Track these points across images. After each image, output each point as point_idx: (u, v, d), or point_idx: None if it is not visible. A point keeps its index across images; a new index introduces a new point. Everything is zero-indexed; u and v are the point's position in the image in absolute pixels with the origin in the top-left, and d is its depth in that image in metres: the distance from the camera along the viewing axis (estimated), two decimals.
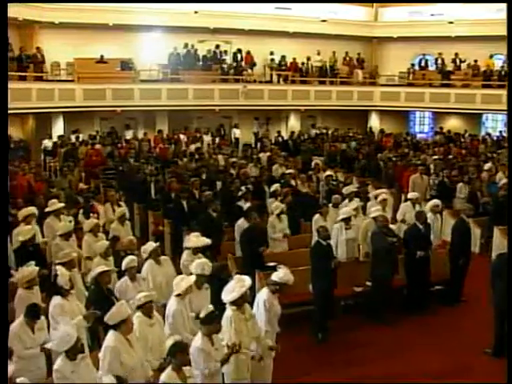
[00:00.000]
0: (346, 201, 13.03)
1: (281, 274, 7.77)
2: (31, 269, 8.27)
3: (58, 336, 6.25)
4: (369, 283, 10.88)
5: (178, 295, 7.70)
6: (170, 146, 22.46)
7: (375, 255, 10.67)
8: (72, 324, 6.60)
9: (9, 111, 21.54)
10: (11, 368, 5.92)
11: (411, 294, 11.03)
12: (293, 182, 15.34)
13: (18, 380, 5.91)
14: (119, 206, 13.20)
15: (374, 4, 30.12)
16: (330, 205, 12.75)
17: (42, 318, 7.48)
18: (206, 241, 9.75)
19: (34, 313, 7.22)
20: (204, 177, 16.12)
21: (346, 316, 10.78)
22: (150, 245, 9.39)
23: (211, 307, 6.76)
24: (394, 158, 19.57)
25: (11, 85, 21.43)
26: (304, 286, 10.06)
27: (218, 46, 26.99)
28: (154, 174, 16.27)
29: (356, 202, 12.69)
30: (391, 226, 11.44)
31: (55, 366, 6.26)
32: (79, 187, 14.70)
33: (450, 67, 28.00)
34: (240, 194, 13.78)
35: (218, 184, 15.56)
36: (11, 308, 8.00)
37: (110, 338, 6.58)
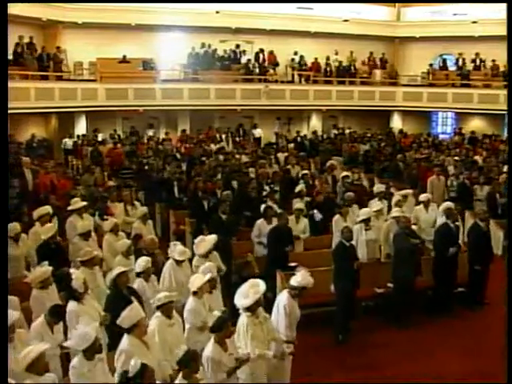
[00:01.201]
0: (376, 200, 12.98)
1: (299, 278, 7.70)
2: (44, 269, 8.27)
3: (77, 334, 6.26)
4: (390, 285, 10.81)
5: (195, 294, 7.72)
6: (194, 145, 22.50)
7: (397, 256, 10.60)
8: (91, 324, 6.62)
9: (32, 110, 22.06)
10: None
11: (437, 296, 10.94)
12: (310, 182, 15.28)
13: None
14: (133, 205, 13.23)
15: (397, 4, 29.96)
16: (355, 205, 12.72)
17: None
18: (213, 238, 9.69)
19: (57, 314, 7.24)
20: (221, 176, 16.09)
21: (367, 317, 10.73)
22: (183, 250, 9.31)
23: (217, 314, 6.67)
24: (417, 159, 19.42)
25: (34, 84, 21.73)
26: (325, 287, 10.04)
27: (237, 46, 27.00)
28: (178, 173, 16.29)
29: (379, 203, 12.61)
30: (413, 227, 11.37)
31: (72, 363, 6.30)
32: (106, 185, 14.74)
33: (470, 67, 27.77)
34: (265, 193, 13.75)
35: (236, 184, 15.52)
36: (29, 307, 8.05)
37: (125, 341, 6.59)
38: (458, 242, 11.19)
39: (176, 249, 9.03)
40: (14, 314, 6.76)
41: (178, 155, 20.51)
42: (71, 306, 7.72)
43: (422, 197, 13.14)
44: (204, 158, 19.01)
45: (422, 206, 12.83)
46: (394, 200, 12.46)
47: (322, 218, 12.74)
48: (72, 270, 8.27)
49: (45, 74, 22.89)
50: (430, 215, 12.63)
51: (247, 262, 9.40)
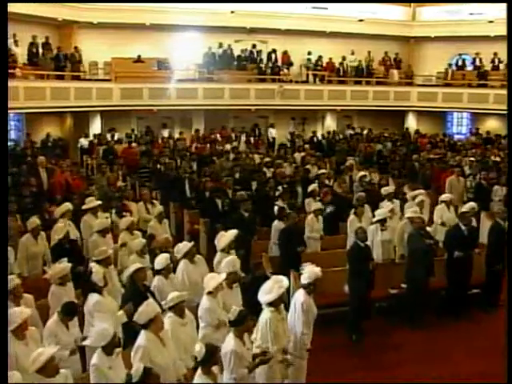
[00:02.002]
0: (385, 201, 12.92)
1: (307, 274, 7.74)
2: (63, 265, 8.37)
3: (96, 331, 6.31)
4: (404, 285, 10.77)
5: (209, 293, 7.73)
6: (206, 145, 22.51)
7: (411, 257, 10.56)
8: (109, 320, 6.64)
9: (47, 110, 22.16)
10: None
11: (450, 297, 10.89)
12: (327, 182, 15.24)
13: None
14: (153, 204, 13.27)
15: (412, 3, 29.81)
16: (366, 205, 12.67)
17: None
18: (232, 233, 9.72)
19: (69, 310, 7.27)
20: (238, 176, 16.12)
21: (380, 318, 10.70)
22: (185, 244, 9.40)
23: (238, 309, 6.71)
24: (431, 160, 19.33)
25: (50, 84, 21.84)
26: (339, 287, 10.03)
27: (254, 46, 26.97)
28: (189, 173, 16.31)
29: (393, 204, 12.57)
30: (427, 228, 11.31)
31: (92, 361, 6.33)
32: (117, 185, 14.80)
33: (488, 67, 27.57)
34: (277, 193, 13.76)
35: (254, 184, 15.54)
36: (46, 304, 8.09)
37: (142, 337, 6.63)
38: (473, 245, 11.13)
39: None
40: (25, 312, 6.81)
41: (190, 154, 20.53)
42: (94, 297, 7.78)
43: (444, 197, 13.10)
44: (215, 158, 19.03)
45: (443, 205, 12.78)
46: (417, 200, 12.40)
47: (332, 210, 12.67)
48: (92, 264, 8.34)
49: (60, 74, 22.99)
50: (452, 215, 12.57)
51: (258, 263, 9.40)
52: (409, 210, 11.69)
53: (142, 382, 5.72)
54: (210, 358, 6.04)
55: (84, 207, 11.96)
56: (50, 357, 5.83)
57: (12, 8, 20.39)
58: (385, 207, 12.13)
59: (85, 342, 6.70)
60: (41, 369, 5.79)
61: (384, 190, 13.48)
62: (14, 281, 7.84)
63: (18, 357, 6.48)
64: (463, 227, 11.00)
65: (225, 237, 9.66)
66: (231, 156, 19.77)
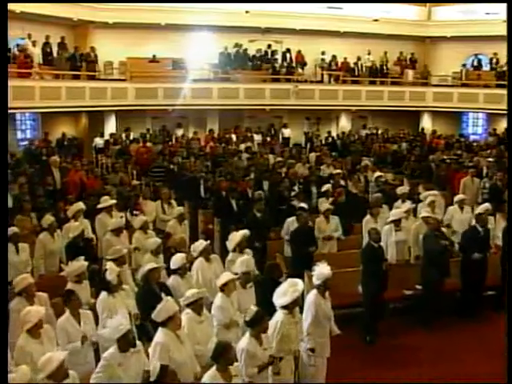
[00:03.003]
0: (399, 202, 12.87)
1: (317, 274, 7.74)
2: (80, 263, 8.44)
3: (112, 324, 6.35)
4: (419, 286, 10.72)
5: (222, 291, 7.75)
6: (220, 144, 22.53)
7: (427, 258, 10.51)
8: (126, 317, 6.67)
9: (63, 109, 22.31)
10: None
11: (465, 299, 10.83)
12: (342, 183, 15.20)
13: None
14: (170, 204, 13.28)
15: (428, 3, 29.68)
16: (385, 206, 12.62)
17: (88, 311, 7.60)
18: (242, 233, 9.72)
19: (66, 296, 7.38)
20: (252, 176, 16.10)
21: (395, 319, 10.66)
22: (201, 243, 9.41)
23: (255, 309, 6.72)
24: (447, 160, 19.22)
25: (65, 83, 21.95)
26: (353, 288, 10.01)
27: (269, 46, 26.95)
28: (203, 173, 16.34)
29: (408, 204, 12.51)
30: (442, 228, 11.25)
31: (104, 354, 6.39)
32: (132, 184, 14.84)
33: (505, 67, 27.36)
34: (293, 194, 13.73)
35: (266, 184, 15.51)
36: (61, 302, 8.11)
37: (160, 334, 6.65)
38: (489, 246, 11.06)
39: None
40: (40, 311, 6.84)
41: (204, 154, 20.55)
42: (102, 296, 7.83)
43: (458, 198, 13.00)
44: (228, 158, 19.02)
45: (456, 206, 12.70)
46: (428, 201, 12.34)
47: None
48: (108, 263, 8.37)
49: (76, 74, 23.09)
50: (464, 216, 12.49)
51: (275, 264, 9.38)
52: (423, 210, 11.62)
53: (160, 380, 5.76)
54: (221, 355, 6.05)
55: (99, 206, 12.00)
56: (60, 363, 5.85)
57: (28, 8, 20.64)
58: (401, 208, 12.06)
59: (100, 332, 6.72)
60: (50, 375, 5.82)
61: (399, 191, 13.42)
62: (26, 280, 7.89)
63: (33, 355, 6.51)
64: (480, 229, 10.93)
65: (235, 237, 9.66)
66: (246, 156, 19.73)
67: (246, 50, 26.60)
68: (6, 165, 9.68)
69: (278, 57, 27.10)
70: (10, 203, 12.57)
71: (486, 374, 8.82)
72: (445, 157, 20.15)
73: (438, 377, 8.85)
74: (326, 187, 13.75)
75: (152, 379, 5.82)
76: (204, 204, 15.08)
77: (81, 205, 11.67)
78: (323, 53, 27.90)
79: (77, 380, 6.18)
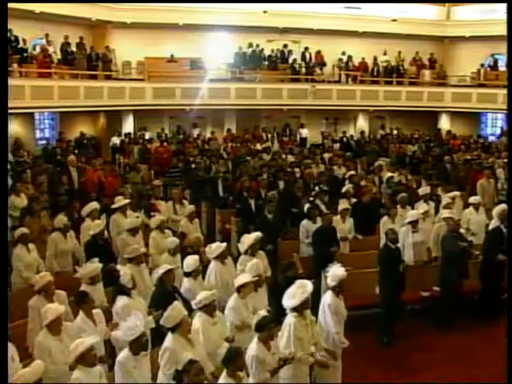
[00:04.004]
0: (421, 202, 12.81)
1: (332, 276, 7.74)
2: (95, 265, 8.40)
3: (126, 325, 6.37)
4: (436, 288, 10.65)
5: (238, 292, 7.76)
6: (239, 144, 22.53)
7: (445, 260, 10.44)
8: (141, 319, 6.68)
9: (81, 109, 22.49)
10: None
11: (484, 301, 10.74)
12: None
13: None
14: (182, 204, 13.28)
15: (446, 3, 29.50)
16: (399, 206, 12.55)
17: (99, 311, 7.60)
18: (255, 236, 9.66)
19: (79, 298, 7.41)
20: (269, 176, 16.06)
21: (412, 321, 10.60)
22: (218, 246, 9.37)
23: (261, 314, 6.69)
24: (465, 161, 19.08)
25: (83, 83, 22.07)
26: (370, 289, 9.97)
27: (285, 46, 26.92)
28: (222, 173, 16.34)
29: (427, 205, 12.42)
30: (461, 230, 11.17)
31: (118, 358, 6.40)
32: (152, 183, 14.88)
33: None
34: (313, 193, 13.72)
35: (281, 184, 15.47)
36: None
37: (169, 339, 6.66)
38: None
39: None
40: (60, 308, 6.87)
41: (224, 154, 20.59)
42: (122, 300, 7.84)
43: (473, 199, 12.88)
44: (249, 158, 19.01)
45: (472, 208, 12.60)
46: (444, 202, 12.25)
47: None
48: (119, 267, 8.37)
49: (94, 74, 23.21)
50: (480, 218, 12.40)
51: (291, 262, 9.35)
52: (444, 211, 11.53)
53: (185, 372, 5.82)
54: (232, 360, 6.04)
55: (113, 206, 12.02)
56: (90, 346, 5.91)
57: (47, 8, 20.78)
58: (419, 209, 11.99)
59: (114, 333, 6.74)
60: (80, 358, 5.87)
61: (421, 191, 13.37)
62: (46, 278, 7.92)
63: (52, 352, 6.54)
64: (504, 229, 10.83)
65: (248, 239, 9.63)
66: (263, 156, 19.71)
67: (261, 49, 26.60)
68: (6, 165, 9.71)
69: (295, 56, 27.01)
70: (25, 202, 12.67)
71: (502, 375, 8.75)
72: (461, 158, 19.98)
73: (454, 378, 8.79)
74: (347, 188, 13.67)
75: (180, 368, 5.88)
76: (222, 204, 15.08)
77: (95, 204, 11.68)
78: (343, 53, 27.82)
79: (104, 376, 6.24)
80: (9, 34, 20.77)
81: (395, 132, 27.18)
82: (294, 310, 7.04)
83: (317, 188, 14.29)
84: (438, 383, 8.78)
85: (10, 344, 6.38)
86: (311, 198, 13.27)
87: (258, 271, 8.27)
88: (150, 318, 7.39)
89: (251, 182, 14.78)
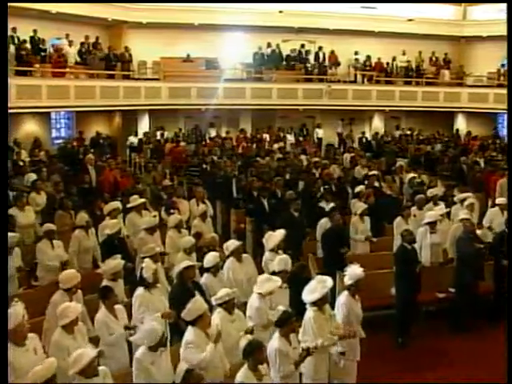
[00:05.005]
0: (431, 204, 12.73)
1: (349, 275, 7.73)
2: (117, 261, 8.47)
3: (145, 330, 6.37)
4: (452, 289, 10.59)
5: (260, 293, 7.74)
6: (252, 144, 22.54)
7: (461, 261, 10.38)
8: (158, 319, 6.70)
9: (97, 108, 22.66)
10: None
11: (498, 302, 10.68)
12: (376, 184, 15.07)
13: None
14: (204, 203, 13.31)
15: (463, 3, 29.33)
16: (414, 207, 12.48)
17: (122, 307, 7.62)
18: (282, 233, 9.69)
19: (103, 293, 7.45)
20: (287, 176, 16.06)
21: (428, 322, 10.55)
22: (233, 242, 9.42)
23: (281, 309, 6.75)
24: (481, 162, 18.97)
25: (99, 83, 22.19)
26: (386, 290, 9.94)
27: (303, 46, 26.90)
28: (236, 172, 16.35)
29: (443, 206, 12.34)
30: (482, 231, 11.11)
31: (136, 355, 6.42)
32: (163, 183, 14.93)
33: None
34: (319, 194, 13.69)
35: (301, 184, 15.47)
36: (93, 300, 8.18)
37: (189, 332, 6.68)
38: None
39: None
40: (78, 307, 6.90)
41: (237, 154, 20.58)
42: (139, 291, 7.90)
43: (499, 200, 12.77)
44: (259, 158, 19.03)
45: (497, 208, 12.50)
46: (466, 203, 12.16)
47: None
48: (145, 260, 8.41)
49: (110, 73, 23.32)
50: (504, 220, 12.27)
51: (303, 264, 9.35)
52: (461, 212, 11.45)
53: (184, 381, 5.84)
54: (252, 352, 6.09)
55: (129, 205, 12.06)
56: (91, 359, 5.90)
57: (63, 9, 20.92)
58: (437, 210, 11.92)
59: (132, 339, 6.75)
60: (81, 371, 5.88)
61: (429, 192, 13.31)
62: (76, 278, 7.95)
63: (70, 350, 6.55)
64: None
65: (274, 236, 9.65)
66: (278, 156, 19.70)
67: (279, 49, 26.58)
68: (6, 164, 9.80)
69: (312, 57, 26.99)
70: (44, 200, 12.78)
71: None
72: (478, 158, 19.86)
73: (468, 380, 8.75)
74: (359, 188, 13.65)
75: (177, 381, 5.90)
76: (236, 203, 15.10)
77: (117, 204, 11.75)
78: (356, 53, 27.75)
79: (108, 376, 6.21)
80: (32, 34, 20.98)
81: (413, 132, 27.03)
82: (314, 304, 7.12)
83: (322, 189, 14.25)
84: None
85: (32, 335, 6.47)
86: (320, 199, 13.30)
87: (286, 266, 8.30)
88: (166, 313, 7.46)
89: (264, 182, 14.77)
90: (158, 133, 24.53)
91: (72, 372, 5.87)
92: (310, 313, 7.14)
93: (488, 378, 8.75)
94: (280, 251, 9.50)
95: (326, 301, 7.25)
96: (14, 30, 20.00)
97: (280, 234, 9.66)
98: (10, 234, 9.48)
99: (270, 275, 8.14)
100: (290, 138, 24.90)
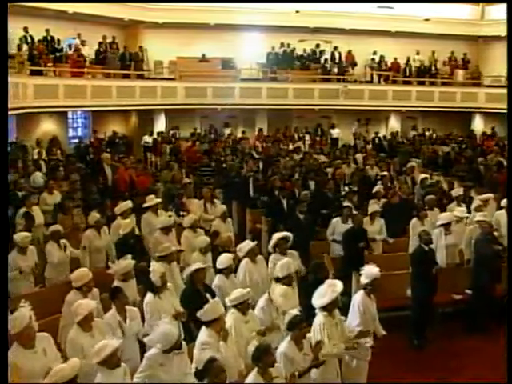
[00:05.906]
0: (454, 204, 12.67)
1: (365, 274, 7.74)
2: (127, 262, 8.44)
3: (160, 333, 6.31)
4: (468, 291, 10.52)
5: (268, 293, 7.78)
6: (270, 144, 22.53)
7: (478, 263, 10.30)
8: (172, 321, 6.69)
9: (113, 108, 22.78)
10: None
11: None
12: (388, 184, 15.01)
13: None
14: (213, 203, 13.29)
15: (481, 3, 29.14)
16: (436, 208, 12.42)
17: (135, 308, 7.63)
18: (282, 235, 9.62)
19: (113, 293, 7.44)
20: (299, 176, 16.01)
21: (444, 324, 10.48)
22: (248, 243, 9.40)
23: (292, 313, 6.70)
24: (499, 163, 18.82)
25: (116, 82, 22.29)
26: (402, 291, 9.88)
27: (317, 46, 26.86)
28: (253, 172, 16.34)
29: (463, 208, 12.24)
30: (494, 233, 11.02)
31: (147, 354, 6.43)
32: (183, 181, 14.93)
33: None
34: (343, 193, 13.60)
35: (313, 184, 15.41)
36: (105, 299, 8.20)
37: (203, 333, 6.67)
38: None
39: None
40: (90, 303, 6.91)
41: (255, 154, 20.58)
42: (148, 298, 7.87)
43: (505, 202, 12.70)
44: (279, 158, 18.96)
45: (503, 211, 12.40)
46: (474, 205, 12.09)
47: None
48: (152, 263, 8.40)
49: (126, 73, 23.40)
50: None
51: (321, 263, 9.30)
52: (478, 214, 11.37)
53: (206, 371, 5.81)
54: (260, 357, 6.05)
55: (145, 205, 12.05)
56: (114, 349, 5.91)
57: (80, 9, 21.06)
58: (455, 211, 11.84)
59: (146, 340, 6.74)
60: (104, 361, 5.88)
61: (454, 192, 13.25)
62: (88, 276, 7.96)
63: (85, 348, 6.58)
64: None
65: (273, 237, 9.64)
66: (295, 156, 19.66)
67: (293, 49, 26.57)
68: (6, 164, 9.82)
69: (327, 56, 26.94)
70: (58, 199, 12.81)
71: None
72: (495, 159, 19.70)
73: (485, 380, 8.71)
74: (377, 188, 13.58)
75: (200, 367, 5.89)
76: (252, 203, 15.08)
77: (129, 203, 11.76)
78: (375, 53, 27.67)
79: (127, 374, 6.22)
80: (45, 34, 21.11)
81: (428, 133, 26.89)
82: (324, 309, 7.06)
83: (347, 188, 14.21)
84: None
85: (42, 336, 6.44)
86: (341, 199, 13.23)
87: (288, 270, 8.22)
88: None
89: (284, 182, 14.74)
90: (172, 132, 24.56)
91: (94, 361, 5.88)
92: (319, 318, 7.08)
93: (502, 380, 8.69)
94: (292, 251, 9.48)
95: (336, 305, 7.19)
96: (26, 29, 20.13)
97: (278, 236, 9.58)
98: (23, 233, 9.60)
99: (285, 287, 8.04)
100: (306, 137, 24.84)
